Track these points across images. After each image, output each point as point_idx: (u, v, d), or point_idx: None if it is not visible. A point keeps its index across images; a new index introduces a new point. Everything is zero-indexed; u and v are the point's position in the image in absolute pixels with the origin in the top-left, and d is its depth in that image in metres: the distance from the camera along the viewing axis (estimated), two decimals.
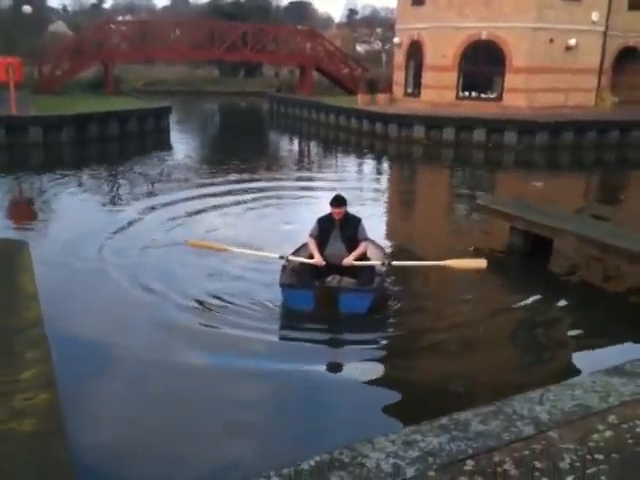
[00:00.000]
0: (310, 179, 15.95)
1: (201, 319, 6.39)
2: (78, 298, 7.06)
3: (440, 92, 24.64)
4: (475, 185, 15.75)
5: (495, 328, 6.60)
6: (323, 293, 6.49)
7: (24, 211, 12.11)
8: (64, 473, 2.98)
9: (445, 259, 6.60)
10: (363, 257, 6.92)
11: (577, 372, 5.37)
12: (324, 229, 6.91)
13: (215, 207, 11.96)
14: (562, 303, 7.29)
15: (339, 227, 6.85)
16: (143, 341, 5.94)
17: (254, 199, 12.92)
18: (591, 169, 19.59)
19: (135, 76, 44.37)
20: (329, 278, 6.82)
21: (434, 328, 6.40)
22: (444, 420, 3.06)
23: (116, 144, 20.87)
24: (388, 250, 8.42)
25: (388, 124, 22.56)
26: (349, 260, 6.67)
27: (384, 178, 17.96)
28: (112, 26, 33.73)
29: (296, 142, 27.16)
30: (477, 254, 9.35)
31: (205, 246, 7.37)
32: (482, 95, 24.59)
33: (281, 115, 32.83)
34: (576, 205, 12.92)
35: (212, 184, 14.48)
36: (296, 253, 7.22)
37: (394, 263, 6.92)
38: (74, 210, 11.58)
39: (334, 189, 14.47)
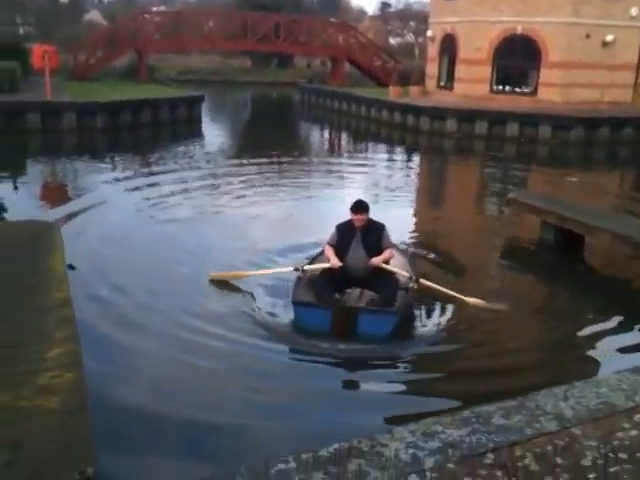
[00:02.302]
0: (339, 171, 15.92)
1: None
2: (104, 279, 7.11)
3: (473, 85, 24.35)
4: (507, 179, 15.56)
5: (522, 325, 6.48)
6: (341, 314, 5.81)
7: (56, 194, 12.31)
8: (86, 450, 3.03)
9: (473, 257, 6.38)
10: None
11: (604, 370, 5.27)
12: (343, 237, 6.30)
13: (241, 197, 12.06)
14: (592, 300, 7.17)
15: (360, 235, 6.25)
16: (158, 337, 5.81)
17: (281, 187, 12.99)
18: (627, 166, 19.20)
19: (168, 65, 44.68)
20: (349, 290, 6.29)
21: (462, 336, 5.97)
22: (466, 412, 3.02)
23: (148, 131, 21.05)
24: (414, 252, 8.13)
25: (420, 117, 22.35)
26: (378, 260, 6.13)
27: (414, 171, 17.83)
28: (146, 16, 34.05)
29: (327, 133, 27.12)
30: (507, 250, 9.27)
31: (227, 276, 6.97)
32: (516, 89, 24.23)
33: (312, 106, 32.79)
34: (611, 201, 12.73)
35: (241, 173, 14.56)
36: (312, 262, 6.69)
37: (422, 281, 6.32)
38: (104, 194, 11.73)
39: (363, 183, 14.53)
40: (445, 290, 6.37)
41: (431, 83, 27.08)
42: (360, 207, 6.24)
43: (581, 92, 23.21)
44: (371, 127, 25.03)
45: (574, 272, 8.16)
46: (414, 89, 26.30)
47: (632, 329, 6.28)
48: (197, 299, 6.65)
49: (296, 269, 6.39)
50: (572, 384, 3.30)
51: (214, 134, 23.55)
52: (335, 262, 6.10)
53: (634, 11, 23.53)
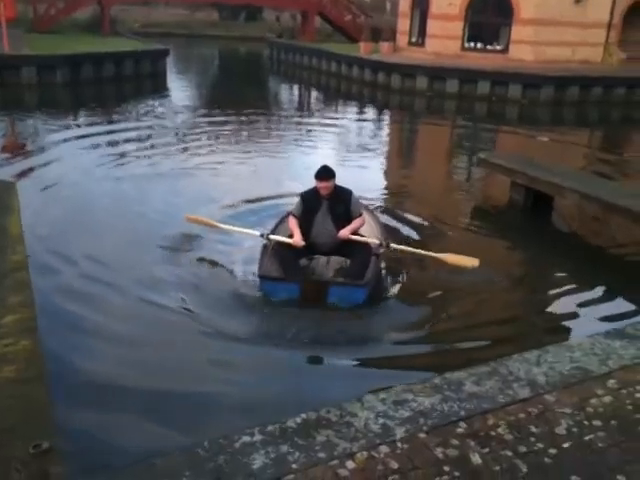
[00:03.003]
0: (308, 129, 15.66)
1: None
2: (61, 239, 6.84)
3: (445, 42, 24.02)
4: (477, 139, 15.49)
5: (493, 289, 6.31)
6: (310, 287, 5.55)
7: (12, 150, 11.82)
8: (45, 420, 2.91)
9: (443, 217, 6.30)
10: (358, 234, 6.04)
11: (576, 334, 5.22)
12: (309, 207, 5.91)
13: (205, 154, 11.80)
14: (562, 263, 7.16)
15: (327, 204, 5.86)
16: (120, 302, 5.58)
17: (248, 145, 12.73)
18: (596, 126, 19.27)
19: (132, 18, 43.25)
20: (316, 256, 6.07)
21: (431, 302, 5.79)
22: (437, 380, 2.96)
23: (112, 86, 20.46)
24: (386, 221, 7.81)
25: (391, 74, 22.06)
26: (345, 232, 5.79)
27: (384, 130, 17.63)
28: None
29: (296, 90, 26.63)
30: (477, 211, 9.23)
31: (201, 221, 6.68)
32: (488, 47, 24.00)
33: (282, 62, 32.13)
34: (580, 161, 12.75)
35: (206, 130, 14.24)
36: (277, 229, 6.34)
37: (393, 245, 6.09)
38: (63, 151, 11.37)
39: (333, 141, 14.32)
40: (416, 251, 6.23)
41: (402, 39, 26.65)
42: (325, 174, 5.79)
43: (552, 50, 23.08)
44: (341, 84, 24.64)
45: (543, 234, 8.14)
46: (385, 45, 25.87)
47: (601, 292, 6.22)
48: (154, 263, 6.33)
49: (261, 235, 6.08)
50: (545, 349, 3.26)
51: (179, 89, 22.96)
52: (298, 241, 5.76)
53: None
